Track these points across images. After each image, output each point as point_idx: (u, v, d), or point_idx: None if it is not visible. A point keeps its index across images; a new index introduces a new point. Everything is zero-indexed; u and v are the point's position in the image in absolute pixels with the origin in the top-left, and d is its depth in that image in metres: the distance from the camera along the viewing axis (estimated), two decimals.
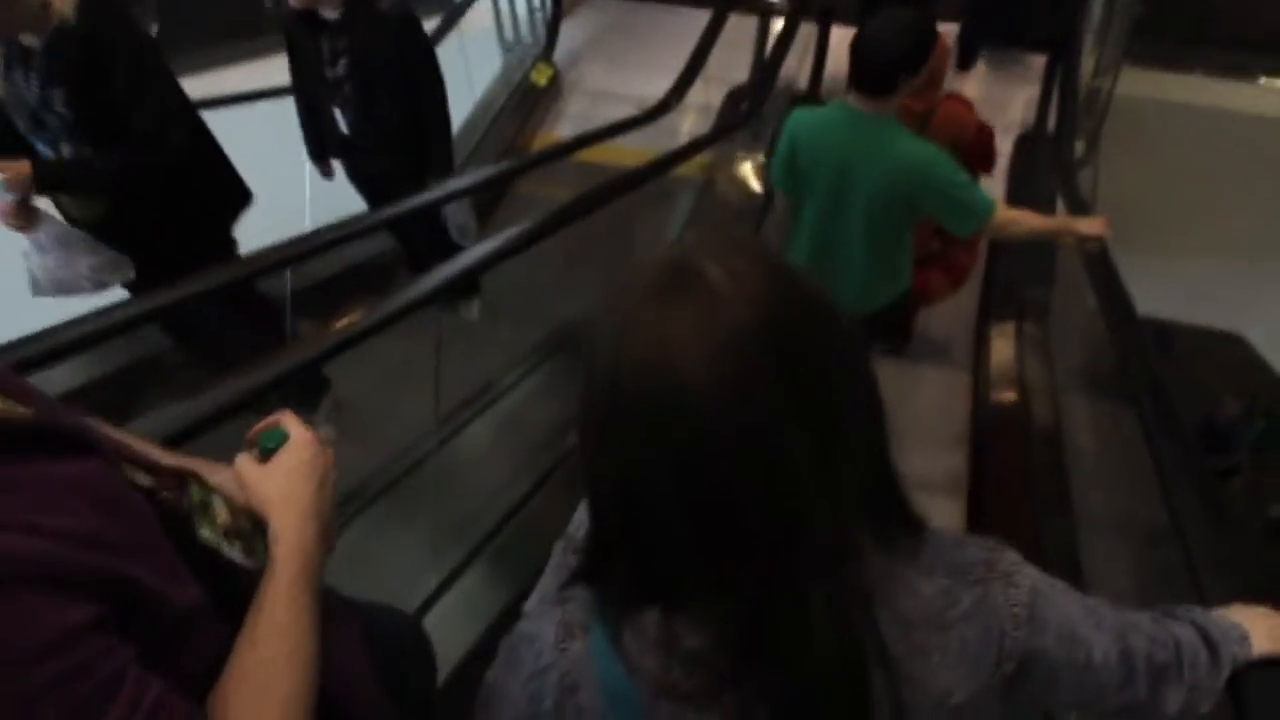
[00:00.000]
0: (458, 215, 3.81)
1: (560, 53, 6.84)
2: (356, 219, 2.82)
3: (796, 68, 6.35)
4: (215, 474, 1.10)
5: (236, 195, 3.08)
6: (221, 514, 1.02)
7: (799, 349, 0.70)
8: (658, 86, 5.54)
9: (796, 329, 0.71)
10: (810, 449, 0.71)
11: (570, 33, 7.05)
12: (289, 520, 1.02)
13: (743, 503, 0.71)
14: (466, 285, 4.15)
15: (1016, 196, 5.45)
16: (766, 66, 5.01)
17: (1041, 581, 0.89)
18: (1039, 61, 6.40)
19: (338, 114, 3.62)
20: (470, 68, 6.36)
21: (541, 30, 6.77)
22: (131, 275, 2.84)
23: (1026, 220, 2.86)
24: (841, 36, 6.36)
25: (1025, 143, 5.89)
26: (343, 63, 3.46)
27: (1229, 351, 7.85)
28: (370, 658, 1.19)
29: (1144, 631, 0.96)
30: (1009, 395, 4.12)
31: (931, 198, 2.68)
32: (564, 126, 6.38)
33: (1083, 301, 3.63)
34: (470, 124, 6.19)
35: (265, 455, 1.09)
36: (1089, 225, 2.99)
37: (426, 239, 3.92)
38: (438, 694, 1.61)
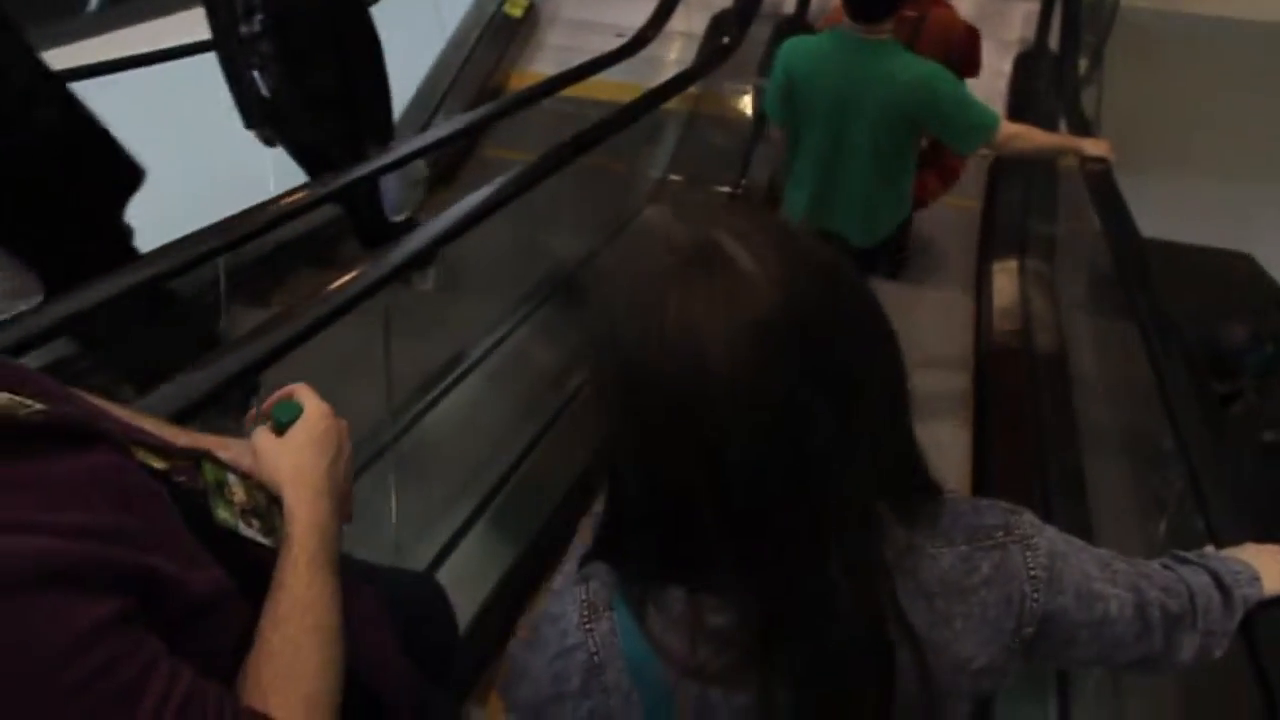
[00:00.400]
0: (390, 188, 3.52)
1: None
2: (288, 193, 2.54)
3: None
4: (228, 451, 1.08)
5: (125, 176, 2.71)
6: (238, 493, 1.02)
7: (822, 327, 0.70)
8: (640, 13, 5.29)
9: (820, 307, 0.70)
10: (834, 423, 0.70)
11: None
12: (304, 495, 1.01)
13: (767, 479, 0.70)
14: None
15: (1018, 117, 5.20)
16: None
17: (1059, 542, 0.89)
18: None
19: (256, 76, 3.25)
20: (440, 2, 6.11)
21: None
22: (39, 298, 2.51)
23: (1031, 136, 2.88)
24: None
25: (1026, 61, 5.63)
26: (258, 18, 3.10)
27: (1236, 270, 7.83)
28: (391, 626, 1.19)
29: (1157, 582, 0.96)
30: (1013, 337, 3.94)
31: (937, 116, 2.68)
32: (543, 60, 6.11)
33: (1090, 227, 3.50)
34: (443, 62, 5.95)
35: (280, 429, 1.07)
36: (1093, 146, 2.99)
37: (369, 213, 3.63)
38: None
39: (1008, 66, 5.64)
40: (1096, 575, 0.91)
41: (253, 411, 1.15)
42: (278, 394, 1.13)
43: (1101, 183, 3.04)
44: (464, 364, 3.26)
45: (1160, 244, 7.27)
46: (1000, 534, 0.86)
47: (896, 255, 3.55)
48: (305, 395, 1.12)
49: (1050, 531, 0.90)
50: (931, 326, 4.04)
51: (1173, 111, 6.24)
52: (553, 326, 3.69)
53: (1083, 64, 5.09)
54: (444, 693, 1.45)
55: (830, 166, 2.86)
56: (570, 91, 4.21)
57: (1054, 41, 5.44)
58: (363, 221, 3.78)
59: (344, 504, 1.08)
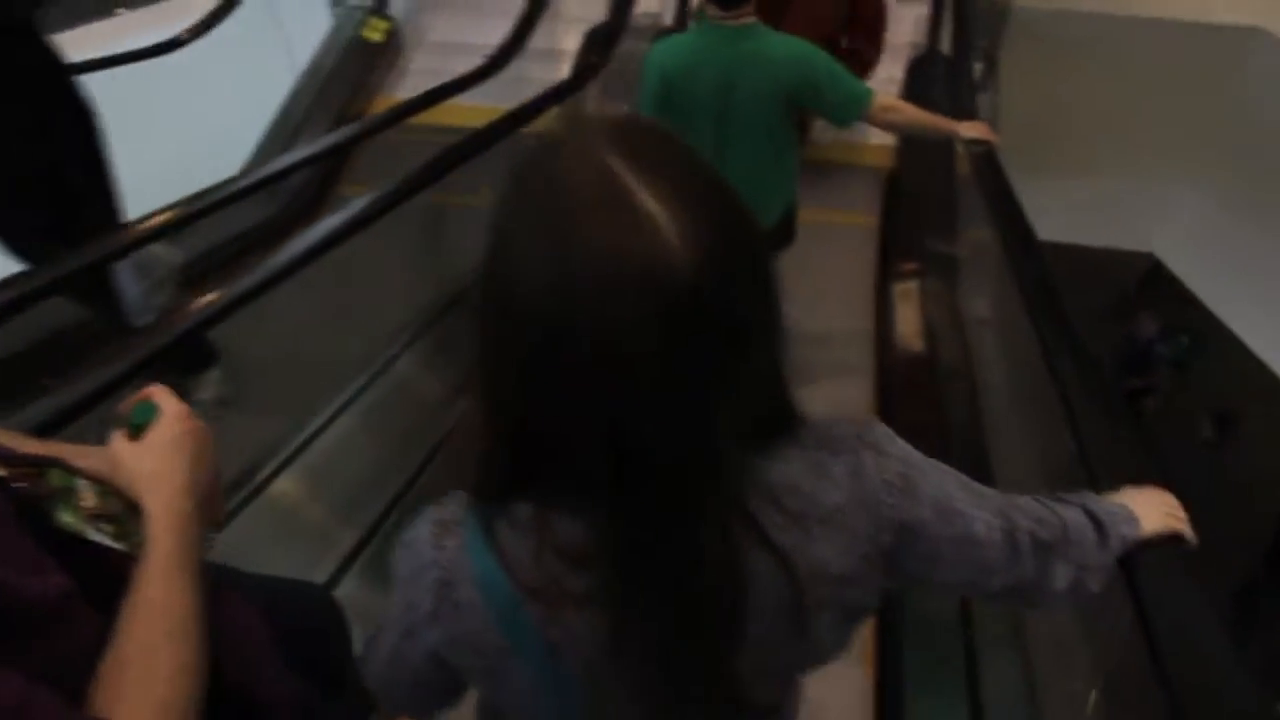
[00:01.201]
0: (128, 284, 2.82)
1: (397, 3, 6.10)
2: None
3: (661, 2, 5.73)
4: (86, 459, 1.06)
5: None
6: (88, 498, 1.00)
7: (727, 281, 0.68)
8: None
9: (726, 261, 0.69)
10: (722, 371, 0.70)
11: None
12: (162, 497, 0.99)
13: (651, 421, 0.70)
14: (192, 357, 3.06)
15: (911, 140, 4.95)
16: (616, 4, 4.35)
17: (914, 454, 0.89)
18: None
19: None
20: (293, 28, 5.70)
21: None
22: None
23: (904, 110, 2.98)
24: None
25: (918, 66, 5.35)
26: None
27: (1140, 269, 7.77)
28: (272, 633, 1.18)
29: (1028, 511, 0.96)
30: (917, 364, 3.63)
31: (813, 89, 2.72)
32: (407, 85, 5.70)
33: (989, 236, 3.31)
34: (296, 94, 5.53)
35: (136, 432, 1.05)
36: (969, 128, 3.04)
37: (104, 318, 2.89)
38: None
39: (900, 72, 5.37)
40: (959, 495, 0.90)
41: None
42: (133, 397, 1.09)
43: (989, 170, 3.03)
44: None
45: (1064, 247, 7.20)
46: (853, 441, 0.86)
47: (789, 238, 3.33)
48: (162, 397, 1.09)
49: (906, 446, 0.89)
50: (828, 354, 3.74)
51: (1071, 113, 6.18)
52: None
53: (978, 68, 4.83)
54: (339, 704, 1.40)
55: (720, 158, 2.75)
56: (430, 119, 3.80)
57: (946, 45, 5.16)
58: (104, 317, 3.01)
59: (211, 508, 1.06)
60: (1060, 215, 5.85)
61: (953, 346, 3.75)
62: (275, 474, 2.73)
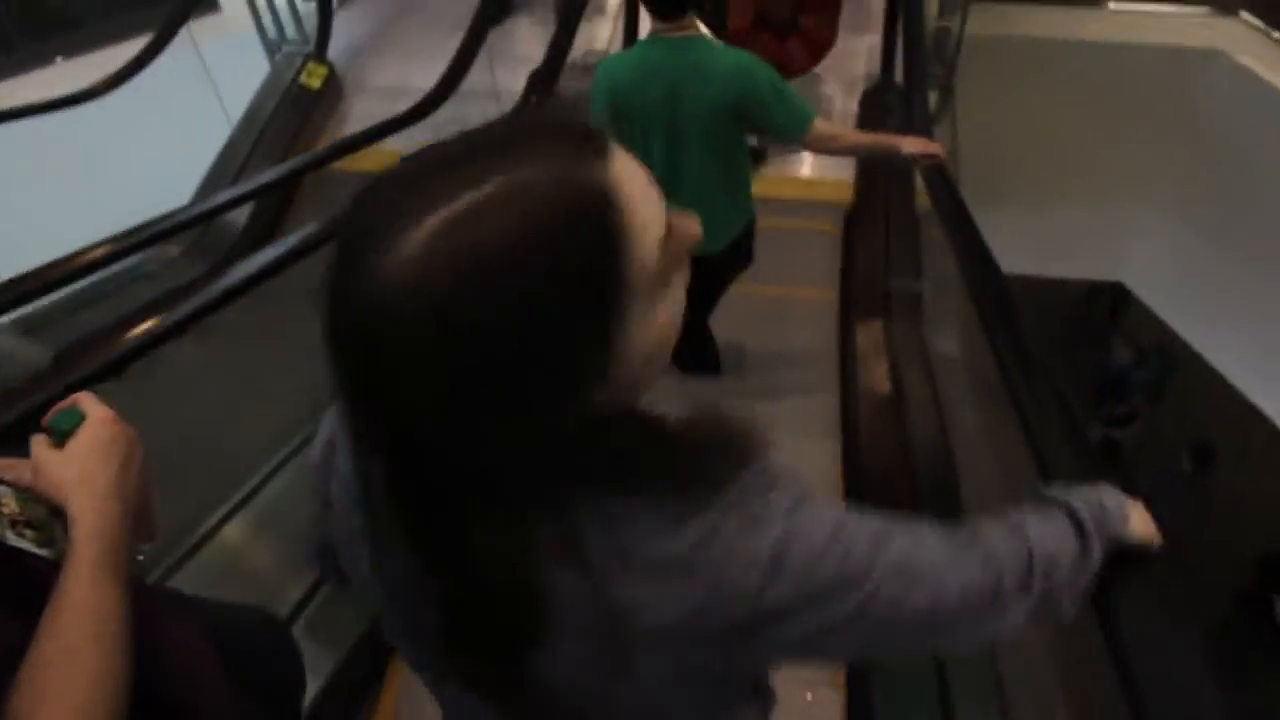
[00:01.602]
0: None
1: (338, 48, 5.96)
2: None
3: (609, 38, 5.66)
4: (10, 469, 1.01)
5: None
6: (9, 504, 0.99)
7: (465, 329, 0.63)
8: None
9: (471, 314, 0.63)
10: (496, 425, 0.67)
11: (347, 25, 6.21)
12: (87, 502, 0.97)
13: (429, 465, 0.71)
14: None
15: (869, 161, 4.80)
16: (555, 41, 4.18)
17: (819, 534, 0.77)
18: (879, 4, 5.73)
19: None
20: (229, 76, 5.54)
21: (311, 25, 5.86)
22: None
23: (846, 134, 2.97)
24: None
25: (872, 98, 5.21)
26: None
27: (1109, 298, 7.68)
28: (218, 655, 1.18)
29: (974, 573, 0.86)
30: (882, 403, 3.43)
31: (757, 102, 2.69)
32: (347, 132, 5.40)
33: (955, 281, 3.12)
34: (233, 143, 5.34)
35: (61, 439, 1.02)
36: (912, 143, 2.92)
37: None
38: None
39: (855, 105, 5.23)
40: (858, 575, 0.78)
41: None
42: (59, 405, 1.07)
43: (942, 186, 2.96)
44: None
45: (1031, 279, 7.11)
46: (727, 501, 0.76)
47: (748, 258, 3.27)
48: (88, 403, 1.07)
49: (814, 521, 0.78)
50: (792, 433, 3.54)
51: (1031, 142, 6.09)
52: None
53: (933, 98, 4.69)
54: None
55: (671, 171, 2.84)
56: (361, 166, 3.63)
57: (900, 75, 5.02)
58: None
59: (143, 519, 1.05)
60: (1026, 246, 5.79)
61: (919, 388, 3.56)
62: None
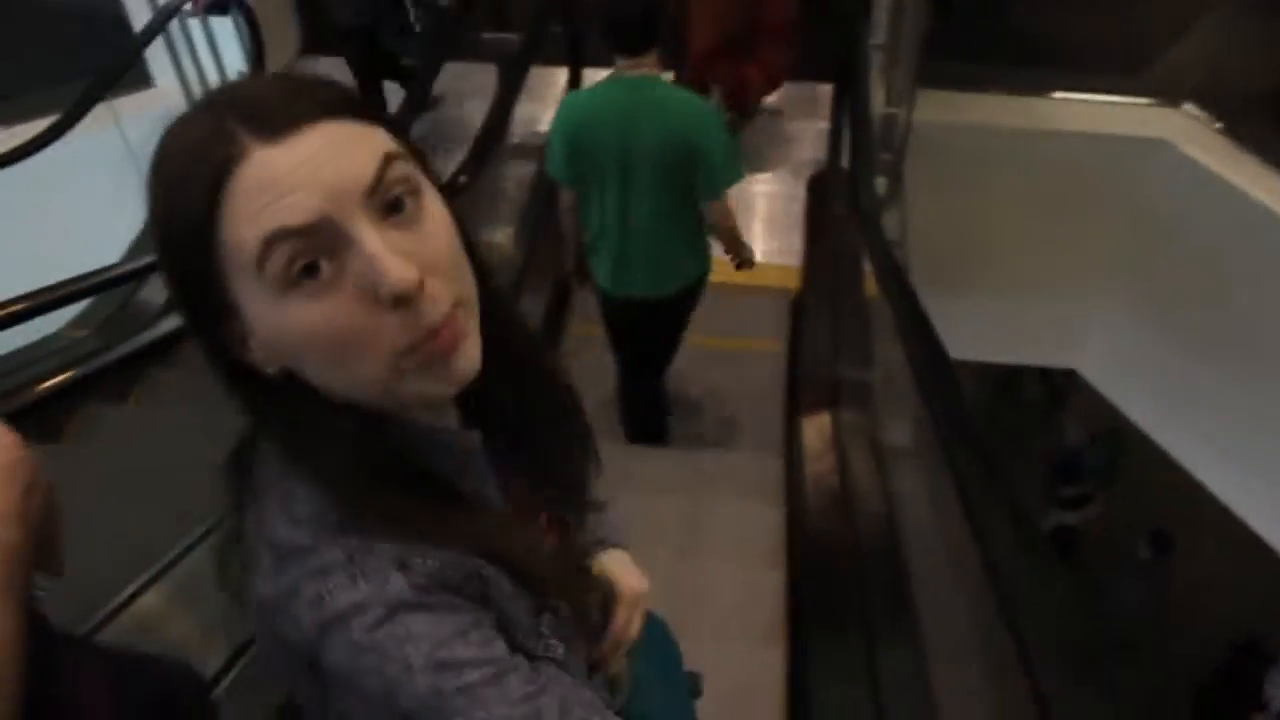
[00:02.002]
0: None
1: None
2: None
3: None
4: None
5: None
6: None
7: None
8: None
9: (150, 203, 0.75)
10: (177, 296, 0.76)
11: None
12: None
13: None
14: None
15: (817, 246, 4.69)
16: (487, 124, 4.03)
17: (360, 630, 0.74)
18: (828, 91, 5.67)
19: None
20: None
21: None
22: None
23: (731, 217, 3.05)
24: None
25: (820, 183, 5.11)
26: None
27: (1062, 386, 7.64)
28: (116, 703, 1.13)
29: None
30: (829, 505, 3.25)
31: (703, 145, 2.77)
32: None
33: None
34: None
35: None
36: (749, 252, 3.20)
37: None
38: None
39: (801, 190, 5.14)
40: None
41: None
42: None
43: (903, 302, 2.93)
44: None
45: (981, 366, 6.95)
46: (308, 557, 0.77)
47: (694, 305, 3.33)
48: None
49: (368, 614, 0.74)
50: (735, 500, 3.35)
51: (981, 229, 5.99)
52: None
53: (882, 184, 4.60)
54: None
55: (624, 214, 2.94)
56: None
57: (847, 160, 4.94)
58: None
59: (46, 550, 0.98)
60: (977, 333, 5.72)
61: (865, 479, 3.40)
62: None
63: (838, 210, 4.79)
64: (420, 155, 0.79)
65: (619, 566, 1.19)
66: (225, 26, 5.64)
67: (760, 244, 4.99)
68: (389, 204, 0.72)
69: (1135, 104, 5.95)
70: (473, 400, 0.86)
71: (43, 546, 0.99)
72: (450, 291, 0.74)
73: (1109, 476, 7.38)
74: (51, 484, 1.01)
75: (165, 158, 0.72)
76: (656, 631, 1.40)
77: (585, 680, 1.01)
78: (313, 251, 0.69)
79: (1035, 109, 5.95)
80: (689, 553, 3.11)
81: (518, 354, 0.92)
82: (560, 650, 0.87)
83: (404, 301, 0.70)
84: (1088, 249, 6.16)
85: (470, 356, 0.77)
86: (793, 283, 4.68)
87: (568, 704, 0.77)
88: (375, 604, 0.74)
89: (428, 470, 0.83)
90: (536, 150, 5.13)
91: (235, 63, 5.72)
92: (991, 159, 5.70)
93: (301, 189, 0.68)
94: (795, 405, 3.89)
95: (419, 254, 0.71)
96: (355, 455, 0.78)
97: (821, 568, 3.03)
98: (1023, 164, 5.80)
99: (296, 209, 0.68)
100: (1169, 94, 5.87)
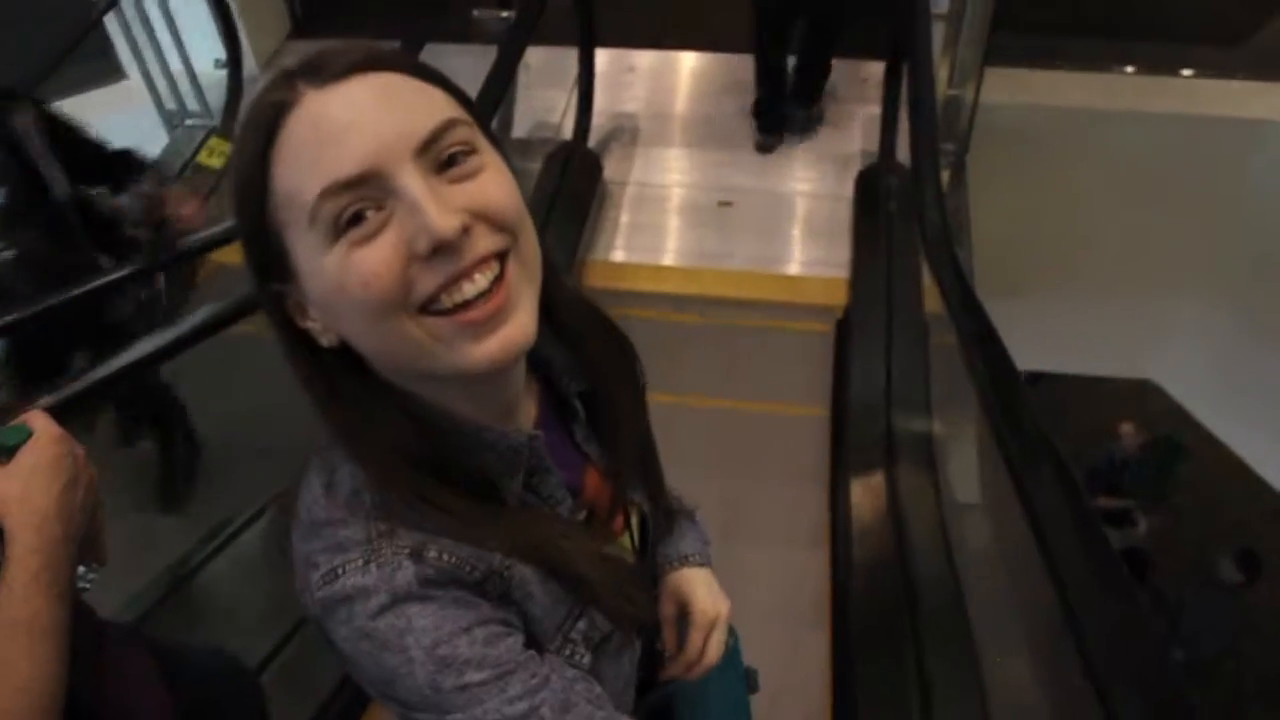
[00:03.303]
0: None
1: None
2: None
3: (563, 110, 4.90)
4: None
5: None
6: None
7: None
8: None
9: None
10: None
11: None
12: (28, 520, 1.00)
13: None
14: None
15: (867, 253, 4.01)
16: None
17: (369, 622, 0.75)
18: (876, 71, 4.98)
19: None
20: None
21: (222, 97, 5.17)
22: None
23: None
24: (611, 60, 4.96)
25: (870, 178, 4.39)
26: None
27: (1138, 400, 7.02)
28: (168, 692, 1.21)
29: None
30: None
31: None
32: None
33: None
34: None
35: (5, 455, 1.04)
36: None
37: None
38: None
39: (848, 189, 4.42)
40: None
41: None
42: (10, 423, 1.08)
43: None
44: None
45: (1051, 377, 6.40)
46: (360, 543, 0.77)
47: None
48: (36, 419, 1.09)
49: (372, 600, 0.75)
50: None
51: (1053, 224, 5.50)
52: None
53: (943, 176, 3.91)
54: None
55: None
56: None
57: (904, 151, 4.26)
58: None
59: (91, 541, 1.07)
60: (1044, 341, 5.24)
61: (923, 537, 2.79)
62: None
63: (891, 211, 4.09)
64: (485, 125, 0.77)
65: (698, 587, 1.16)
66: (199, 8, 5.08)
67: (799, 252, 4.32)
68: (443, 161, 0.71)
69: (1234, 81, 5.39)
70: (553, 395, 0.94)
71: (87, 538, 1.07)
72: (500, 241, 0.73)
73: (1156, 492, 6.93)
74: (94, 476, 1.08)
75: (242, 117, 0.73)
76: None
77: (620, 692, 0.97)
78: (361, 201, 0.68)
79: (1116, 87, 5.37)
80: None
81: (580, 329, 0.93)
82: (586, 660, 0.86)
83: (443, 250, 0.69)
84: (1173, 245, 5.62)
85: (522, 325, 0.75)
86: (837, 298, 3.99)
87: (567, 702, 0.78)
88: (380, 591, 0.74)
89: (466, 467, 0.81)
90: (540, 145, 4.54)
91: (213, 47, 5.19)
92: (1067, 145, 5.14)
93: (353, 134, 0.68)
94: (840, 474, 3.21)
95: (469, 207, 0.70)
96: (395, 441, 0.78)
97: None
98: (1104, 150, 5.26)
99: (345, 157, 0.68)
100: (1273, 69, 5.35)
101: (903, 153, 4.15)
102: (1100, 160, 5.28)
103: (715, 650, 1.13)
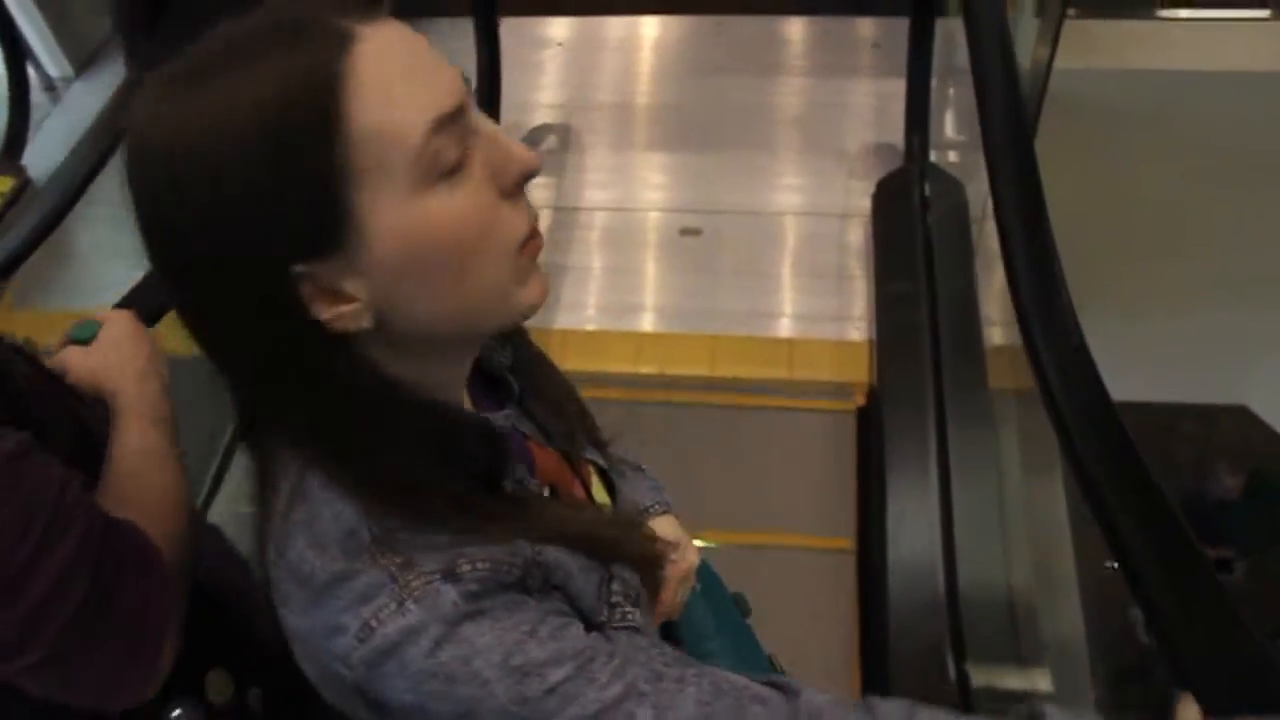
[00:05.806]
0: None
1: (42, 155, 4.34)
2: None
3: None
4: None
5: None
6: None
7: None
8: None
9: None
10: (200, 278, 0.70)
11: (66, 122, 4.63)
12: (127, 375, 1.04)
13: None
14: None
15: (898, 308, 2.76)
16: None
17: (426, 657, 0.70)
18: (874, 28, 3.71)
19: None
20: None
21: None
22: None
23: None
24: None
25: (893, 191, 3.07)
26: None
27: (1228, 426, 6.42)
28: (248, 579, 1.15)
29: None
30: None
31: None
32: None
33: None
34: None
35: (86, 343, 1.07)
36: None
37: None
38: None
39: (860, 202, 3.12)
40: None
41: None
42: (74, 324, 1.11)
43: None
44: None
45: (1132, 407, 5.47)
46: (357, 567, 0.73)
47: None
48: (104, 313, 1.12)
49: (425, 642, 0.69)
50: None
51: (1134, 220, 4.68)
52: None
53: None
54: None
55: None
56: None
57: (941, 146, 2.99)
58: None
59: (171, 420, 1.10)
60: (1123, 363, 4.36)
61: None
62: None
63: (932, 232, 2.80)
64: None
65: (668, 535, 1.13)
66: None
67: (790, 303, 3.02)
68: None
69: None
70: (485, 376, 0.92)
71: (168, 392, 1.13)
72: None
73: (1261, 539, 6.08)
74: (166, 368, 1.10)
75: (244, 106, 0.63)
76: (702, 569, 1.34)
77: (658, 639, 0.96)
78: (463, 137, 0.67)
79: (1221, 40, 4.39)
80: None
81: None
82: (636, 616, 0.85)
83: (521, 187, 0.70)
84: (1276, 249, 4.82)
85: None
86: (855, 371, 2.71)
87: (655, 671, 0.74)
88: (429, 625, 0.71)
89: (472, 461, 0.79)
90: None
91: None
92: (1155, 119, 4.27)
93: (441, 66, 0.67)
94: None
95: None
96: (416, 440, 0.74)
97: None
98: (1198, 125, 4.38)
99: (442, 89, 0.66)
100: None
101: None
102: (1195, 137, 4.39)
103: (684, 597, 1.18)
